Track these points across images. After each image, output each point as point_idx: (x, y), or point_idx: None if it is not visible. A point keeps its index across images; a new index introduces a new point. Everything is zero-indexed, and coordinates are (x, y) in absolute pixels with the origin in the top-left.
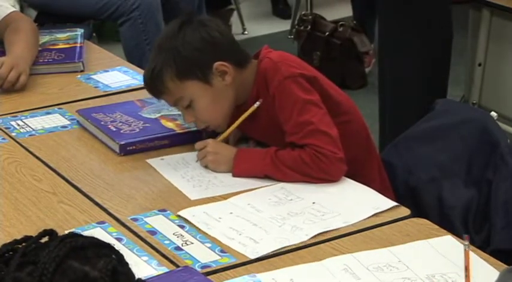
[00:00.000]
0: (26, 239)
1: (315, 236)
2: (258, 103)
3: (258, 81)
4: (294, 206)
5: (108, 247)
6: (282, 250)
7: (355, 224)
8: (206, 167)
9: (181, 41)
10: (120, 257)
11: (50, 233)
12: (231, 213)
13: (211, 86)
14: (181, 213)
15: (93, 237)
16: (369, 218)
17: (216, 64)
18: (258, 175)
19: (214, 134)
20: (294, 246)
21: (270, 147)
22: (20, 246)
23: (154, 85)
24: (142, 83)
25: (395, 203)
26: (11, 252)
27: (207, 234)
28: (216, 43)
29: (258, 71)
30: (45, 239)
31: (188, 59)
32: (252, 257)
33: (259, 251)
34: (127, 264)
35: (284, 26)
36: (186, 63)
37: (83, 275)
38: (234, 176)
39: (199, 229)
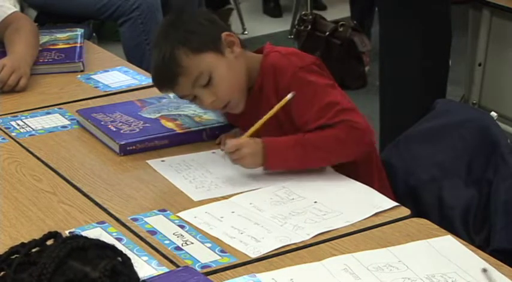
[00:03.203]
0: (33, 242)
1: (315, 235)
2: (290, 95)
3: (265, 73)
4: (296, 205)
5: (112, 248)
6: (282, 250)
7: (355, 224)
8: (234, 165)
9: (186, 22)
10: (124, 258)
11: (55, 235)
12: (232, 212)
13: (224, 56)
14: (182, 214)
15: (96, 239)
16: (369, 218)
17: (224, 34)
18: (292, 167)
19: (214, 135)
20: (294, 246)
21: (297, 135)
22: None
23: (169, 70)
24: (142, 83)
25: (396, 203)
26: (16, 255)
27: (207, 234)
28: (216, 20)
29: (265, 63)
30: (50, 241)
31: (198, 33)
32: (253, 255)
33: (261, 249)
34: (131, 265)
35: (284, 26)
36: (197, 37)
37: (83, 275)
38: (265, 169)
39: (200, 229)
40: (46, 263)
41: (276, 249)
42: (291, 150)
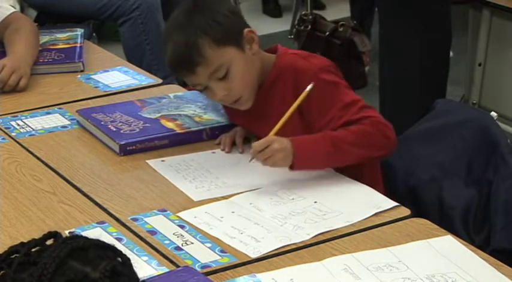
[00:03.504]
0: (33, 241)
1: (316, 235)
2: (310, 86)
3: (279, 74)
4: (296, 205)
5: (112, 249)
6: (282, 250)
7: (355, 224)
8: (270, 165)
9: (211, 11)
10: (124, 258)
11: (55, 235)
12: (232, 212)
13: (244, 52)
14: (182, 214)
15: (96, 239)
16: (369, 218)
17: (246, 30)
18: (319, 165)
19: (214, 135)
20: (294, 246)
21: (323, 133)
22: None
23: (190, 58)
24: (142, 83)
25: (396, 203)
26: (16, 255)
27: (207, 234)
28: (239, 13)
29: (279, 64)
30: (50, 241)
31: (224, 25)
32: (253, 256)
33: (261, 249)
34: (131, 266)
35: (284, 26)
36: (222, 29)
37: (83, 276)
38: (292, 170)
39: (200, 229)
40: (47, 263)
41: (276, 249)
42: (320, 146)
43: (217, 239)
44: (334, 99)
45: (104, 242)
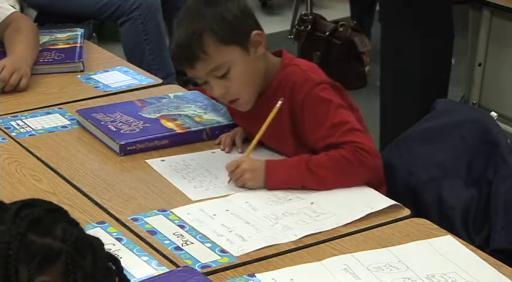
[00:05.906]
0: None
1: (303, 237)
2: (279, 102)
3: (280, 84)
4: (292, 206)
5: (57, 209)
6: (282, 250)
7: (355, 224)
8: (240, 186)
9: (223, 8)
10: (67, 216)
11: None
12: (226, 210)
13: (248, 54)
14: (176, 211)
15: (41, 201)
16: (369, 218)
17: (254, 32)
18: (294, 186)
19: (214, 135)
20: (294, 246)
21: (301, 155)
22: None
23: (190, 51)
24: (142, 83)
25: (392, 202)
26: None
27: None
28: (251, 13)
29: (281, 75)
30: None
31: (232, 24)
32: (236, 254)
33: (245, 248)
34: (78, 224)
35: (284, 26)
36: (230, 28)
37: (48, 249)
38: (268, 189)
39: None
40: (9, 242)
41: (276, 250)
42: (295, 169)
43: (207, 235)
44: (324, 117)
45: (48, 203)
